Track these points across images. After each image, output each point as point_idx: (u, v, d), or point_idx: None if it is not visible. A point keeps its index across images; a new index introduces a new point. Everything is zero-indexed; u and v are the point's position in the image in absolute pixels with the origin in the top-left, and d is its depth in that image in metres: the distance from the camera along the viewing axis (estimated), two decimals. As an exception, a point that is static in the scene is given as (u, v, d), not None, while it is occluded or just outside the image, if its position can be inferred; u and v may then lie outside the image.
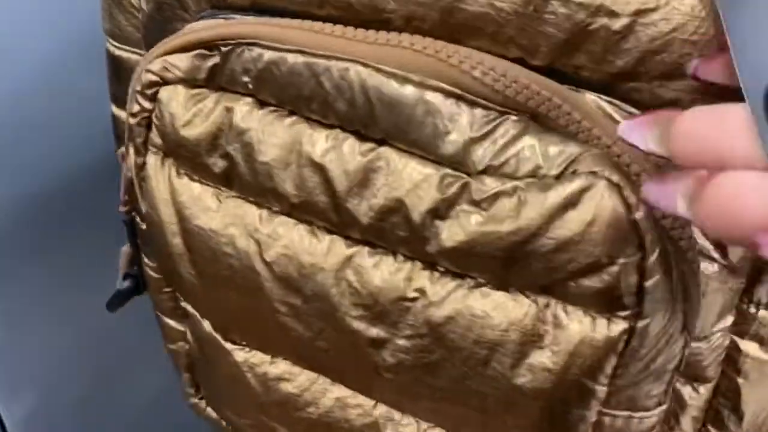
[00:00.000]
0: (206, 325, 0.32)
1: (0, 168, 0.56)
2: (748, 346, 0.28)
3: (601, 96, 0.24)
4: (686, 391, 0.28)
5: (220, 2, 0.29)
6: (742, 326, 0.28)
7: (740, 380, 0.28)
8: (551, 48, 0.23)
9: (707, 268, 0.25)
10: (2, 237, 0.58)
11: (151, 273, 0.34)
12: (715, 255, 0.25)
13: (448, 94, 0.24)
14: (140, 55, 0.36)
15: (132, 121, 0.29)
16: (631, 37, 0.22)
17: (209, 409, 0.37)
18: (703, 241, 0.25)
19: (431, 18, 0.25)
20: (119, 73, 0.38)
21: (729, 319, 0.27)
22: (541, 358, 0.23)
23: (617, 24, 0.22)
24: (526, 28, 0.23)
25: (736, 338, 0.28)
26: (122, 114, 0.38)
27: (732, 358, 0.28)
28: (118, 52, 0.37)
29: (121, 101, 0.38)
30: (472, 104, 0.23)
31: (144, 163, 0.30)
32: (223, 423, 0.37)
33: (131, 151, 0.30)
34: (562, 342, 0.23)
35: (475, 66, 0.23)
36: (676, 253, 0.23)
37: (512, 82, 0.23)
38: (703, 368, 0.28)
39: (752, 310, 0.27)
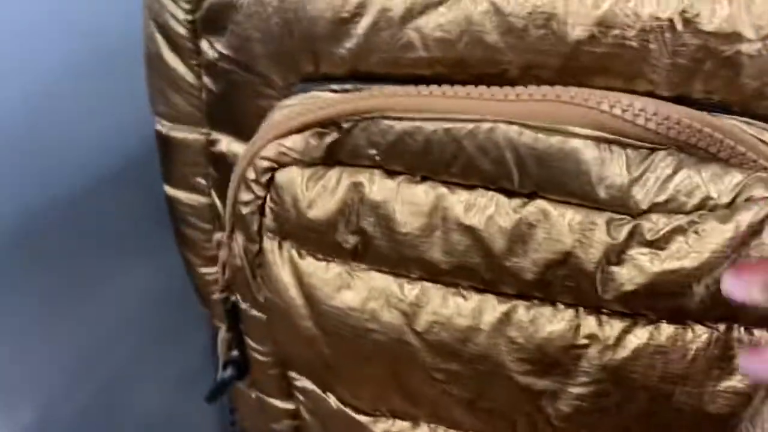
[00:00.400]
0: (332, 400, 0.31)
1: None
2: None
3: (737, 117, 0.24)
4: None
5: (312, 75, 0.28)
6: None
7: None
8: (683, 78, 0.24)
9: None
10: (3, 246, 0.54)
11: (258, 357, 0.33)
12: None
13: (600, 140, 0.24)
14: (200, 133, 0.34)
15: (243, 210, 0.28)
16: (762, 59, 0.23)
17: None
18: None
19: (551, 64, 0.25)
20: (175, 154, 0.36)
21: None
22: (732, 383, 0.24)
23: (752, 48, 0.23)
24: (656, 63, 0.24)
25: None
26: (178, 194, 0.37)
27: None
28: (172, 133, 0.35)
29: (178, 183, 0.37)
30: (625, 146, 0.24)
31: (260, 250, 0.29)
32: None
33: (240, 239, 0.29)
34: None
35: (627, 109, 0.23)
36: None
37: (664, 119, 0.23)
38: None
39: None
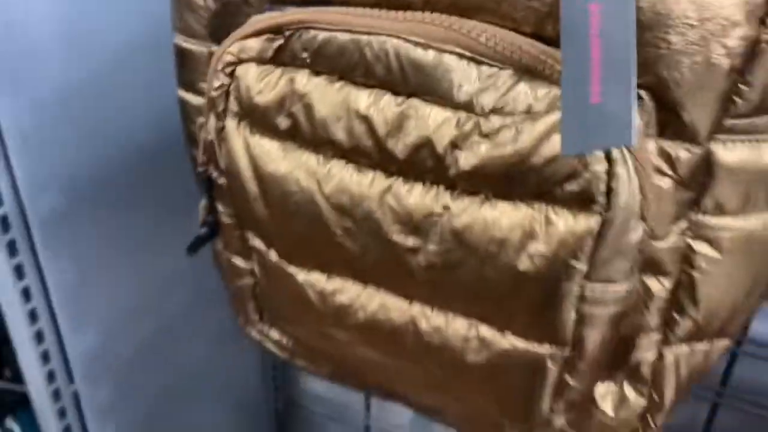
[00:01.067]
0: (273, 255, 0.41)
1: (84, 139, 0.66)
2: (701, 246, 0.36)
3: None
4: (653, 283, 0.37)
5: (278, 1, 0.37)
6: (693, 230, 0.36)
7: (695, 274, 0.37)
8: (537, 19, 0.32)
9: (661, 181, 0.33)
10: (84, 196, 0.67)
11: (225, 219, 0.42)
12: (668, 171, 0.33)
13: (461, 57, 0.32)
14: (205, 46, 0.44)
15: (214, 93, 0.38)
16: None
17: (272, 331, 0.46)
18: (656, 159, 0.33)
19: (444, 1, 0.33)
20: (186, 62, 0.46)
21: (682, 224, 0.35)
22: (538, 247, 0.32)
23: None
24: (517, 6, 0.32)
25: (689, 240, 0.36)
26: (187, 96, 0.47)
27: (688, 256, 0.36)
28: (186, 45, 0.45)
29: (187, 86, 0.47)
30: (479, 63, 0.32)
31: (223, 127, 0.38)
32: (284, 340, 0.45)
33: (212, 117, 0.38)
34: (552, 234, 0.31)
35: (480, 34, 0.31)
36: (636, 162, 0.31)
37: (509, 44, 0.31)
38: (665, 264, 0.36)
39: (700, 216, 0.35)
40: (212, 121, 0.39)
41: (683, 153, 0.33)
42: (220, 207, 0.42)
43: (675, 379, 0.40)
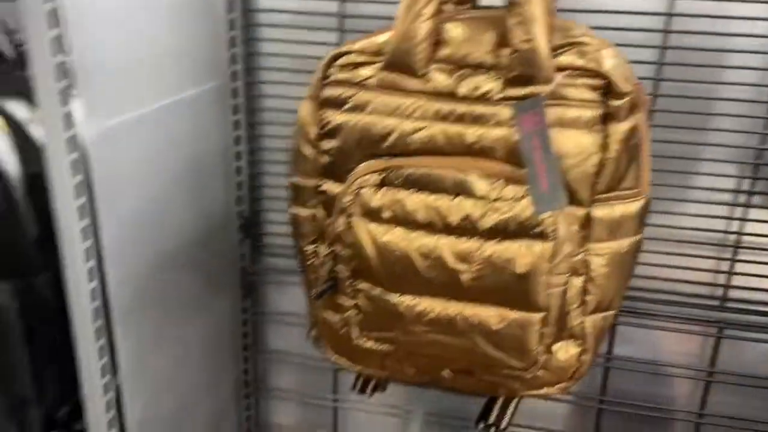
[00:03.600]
0: (377, 290, 0.74)
1: (150, 244, 0.99)
2: (594, 259, 0.74)
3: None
4: (574, 281, 0.74)
5: (371, 156, 0.73)
6: (589, 250, 0.74)
7: (593, 274, 0.74)
8: (513, 157, 0.70)
9: (573, 226, 0.71)
10: (143, 284, 0.98)
11: (343, 274, 0.75)
12: (574, 222, 0.71)
13: (479, 176, 0.69)
14: (314, 182, 0.79)
15: (345, 204, 0.72)
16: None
17: (368, 342, 0.77)
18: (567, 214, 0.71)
19: (461, 151, 0.70)
20: (300, 192, 0.80)
21: (584, 248, 0.73)
22: (526, 260, 0.68)
23: (529, 147, 0.69)
24: (504, 155, 0.70)
25: (588, 256, 0.74)
26: (298, 211, 0.80)
27: (588, 265, 0.74)
28: (301, 182, 0.79)
29: (299, 204, 0.80)
30: (488, 178, 0.69)
31: (350, 222, 0.72)
32: (377, 346, 0.77)
33: (342, 217, 0.72)
34: (533, 252, 0.68)
35: (486, 166, 0.69)
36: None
37: (500, 169, 0.69)
38: (578, 269, 0.73)
39: (591, 244, 0.74)
40: (342, 220, 0.73)
41: (579, 212, 0.71)
42: (338, 268, 0.75)
43: (592, 335, 0.77)
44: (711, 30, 1.05)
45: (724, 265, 1.17)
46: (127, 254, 0.95)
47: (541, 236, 0.68)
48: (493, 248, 0.69)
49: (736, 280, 1.17)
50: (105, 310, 0.91)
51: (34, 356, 0.91)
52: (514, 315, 0.71)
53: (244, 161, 1.27)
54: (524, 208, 0.67)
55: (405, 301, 0.73)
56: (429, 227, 0.70)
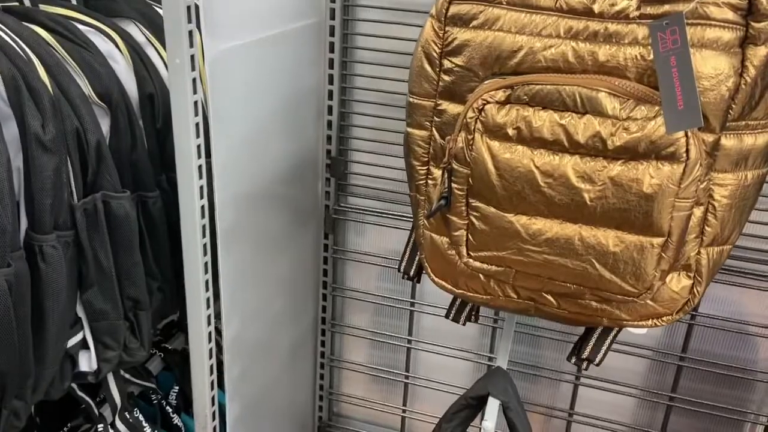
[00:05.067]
0: (491, 209, 0.74)
1: (250, 170, 1.00)
2: (716, 189, 0.73)
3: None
4: (696, 210, 0.73)
5: (497, 72, 0.73)
6: (712, 180, 0.73)
7: (715, 203, 0.73)
8: (643, 75, 0.69)
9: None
10: (247, 212, 1.00)
11: (457, 192, 0.76)
12: (702, 147, 0.70)
13: (608, 94, 0.68)
14: (433, 101, 0.79)
15: (469, 120, 0.72)
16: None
17: (476, 262, 0.78)
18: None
19: (592, 69, 0.70)
20: (417, 111, 0.80)
21: (708, 176, 0.72)
22: (654, 181, 0.67)
23: (662, 68, 0.68)
24: (635, 69, 0.69)
25: (711, 185, 0.73)
26: (414, 131, 0.81)
27: (710, 194, 0.73)
28: (419, 101, 0.79)
29: (415, 125, 0.81)
30: (618, 97, 0.68)
31: (473, 138, 0.72)
32: (485, 266, 0.77)
33: (463, 133, 0.73)
34: (661, 174, 0.67)
35: (618, 83, 0.68)
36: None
37: (632, 88, 0.68)
38: (700, 198, 0.72)
39: (714, 174, 0.72)
40: (463, 135, 0.73)
41: (709, 137, 0.70)
42: (455, 185, 0.76)
43: (708, 268, 0.76)
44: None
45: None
46: (233, 177, 0.98)
47: (672, 158, 0.67)
48: (619, 168, 0.68)
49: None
50: (212, 229, 0.93)
51: (147, 265, 0.94)
52: (632, 238, 0.70)
53: (335, 100, 1.28)
54: (656, 128, 0.67)
55: (521, 219, 0.73)
56: (555, 145, 0.70)
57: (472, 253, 0.78)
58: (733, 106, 0.69)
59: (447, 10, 0.75)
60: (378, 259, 1.41)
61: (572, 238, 0.72)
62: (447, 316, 0.95)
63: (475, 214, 0.76)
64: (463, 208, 0.77)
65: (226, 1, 0.91)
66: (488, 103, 0.72)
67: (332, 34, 1.24)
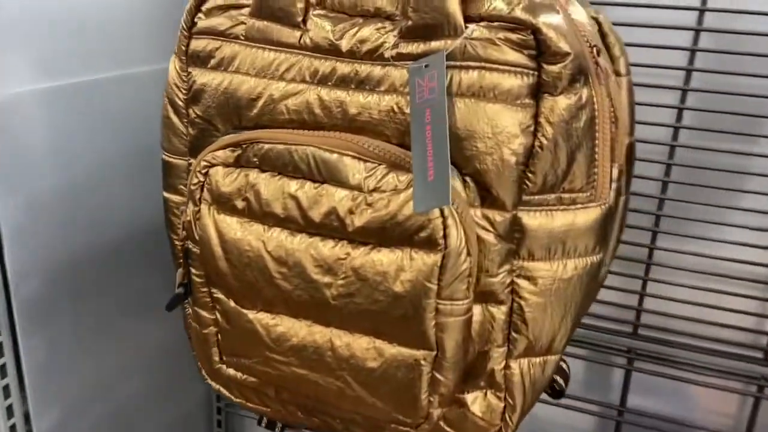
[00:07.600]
0: (231, 303, 0.57)
1: (64, 233, 0.83)
2: (522, 282, 0.54)
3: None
4: (494, 310, 0.54)
5: (237, 125, 0.56)
6: (516, 271, 0.54)
7: (522, 302, 0.54)
8: (399, 135, 0.51)
9: (486, 235, 0.51)
10: (61, 284, 0.83)
11: (196, 279, 0.59)
12: (490, 228, 0.52)
13: (353, 157, 0.51)
14: (185, 160, 0.63)
15: (193, 187, 0.55)
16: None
17: (230, 370, 0.60)
18: (481, 221, 0.51)
19: (342, 125, 0.52)
20: (171, 172, 0.64)
21: (508, 267, 0.53)
22: (406, 276, 0.49)
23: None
24: (388, 127, 0.51)
25: (514, 278, 0.54)
26: (170, 196, 0.64)
27: (515, 290, 0.54)
28: (171, 160, 0.63)
29: (171, 189, 0.65)
30: (365, 161, 0.50)
31: (199, 210, 0.56)
32: (239, 375, 0.60)
33: (190, 205, 0.56)
34: (414, 267, 0.49)
35: (366, 144, 0.50)
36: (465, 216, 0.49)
37: (383, 150, 0.50)
38: (498, 295, 0.53)
39: (520, 262, 0.53)
40: (191, 207, 0.56)
41: (498, 217, 0.51)
42: (193, 270, 0.59)
43: (522, 387, 0.56)
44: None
45: (768, 309, 0.92)
46: (36, 241, 0.82)
47: (427, 244, 0.49)
48: (364, 258, 0.50)
49: (783, 330, 0.92)
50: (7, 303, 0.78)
51: None
52: (393, 350, 0.52)
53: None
54: (402, 204, 0.49)
55: (261, 318, 0.56)
56: (289, 223, 0.53)
57: (225, 358, 0.61)
58: (530, 174, 0.51)
59: (187, 46, 0.59)
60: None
61: (322, 347, 0.54)
62: (259, 423, 0.77)
63: (219, 308, 0.59)
64: (207, 299, 0.59)
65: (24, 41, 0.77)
66: (212, 165, 0.55)
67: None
